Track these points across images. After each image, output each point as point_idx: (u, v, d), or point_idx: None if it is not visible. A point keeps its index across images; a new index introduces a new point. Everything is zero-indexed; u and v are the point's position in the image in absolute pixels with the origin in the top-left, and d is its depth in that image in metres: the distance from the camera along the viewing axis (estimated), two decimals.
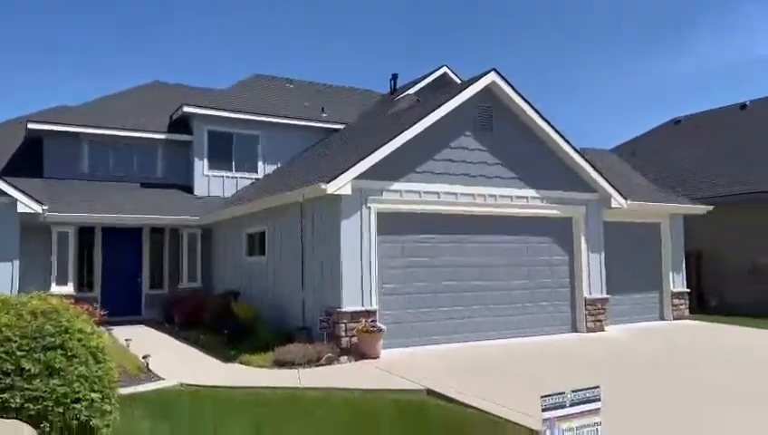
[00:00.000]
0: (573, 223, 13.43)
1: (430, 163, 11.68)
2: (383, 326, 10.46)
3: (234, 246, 15.79)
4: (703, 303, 17.99)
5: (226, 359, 10.39)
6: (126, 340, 11.88)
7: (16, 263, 13.27)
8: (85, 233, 16.98)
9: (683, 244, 15.95)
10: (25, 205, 12.49)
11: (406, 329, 11.19)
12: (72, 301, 15.12)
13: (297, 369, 9.50)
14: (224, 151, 18.77)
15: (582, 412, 4.83)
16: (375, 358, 10.11)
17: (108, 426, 4.55)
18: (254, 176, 18.98)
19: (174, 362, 10.26)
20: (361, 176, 10.69)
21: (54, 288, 15.15)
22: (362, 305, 10.68)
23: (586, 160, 13.20)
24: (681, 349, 11.70)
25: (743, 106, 23.05)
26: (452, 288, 11.81)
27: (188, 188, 18.35)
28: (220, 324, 12.70)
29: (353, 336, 10.43)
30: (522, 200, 12.64)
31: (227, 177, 18.72)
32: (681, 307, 15.60)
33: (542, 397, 4.65)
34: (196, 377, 8.88)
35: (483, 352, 10.85)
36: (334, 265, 10.79)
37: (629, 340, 12.63)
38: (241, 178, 18.87)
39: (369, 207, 10.94)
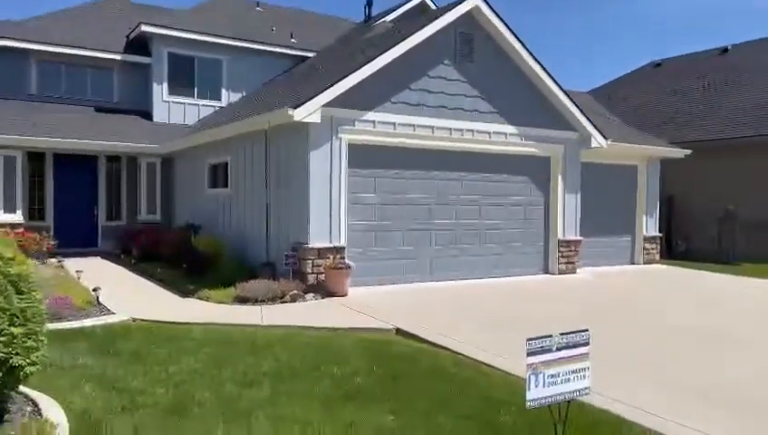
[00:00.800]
0: (552, 162, 12.96)
1: (406, 93, 10.94)
2: (351, 263, 9.96)
3: (195, 177, 14.94)
4: (671, 248, 17.98)
5: (184, 293, 9.81)
6: (77, 271, 11.17)
7: None
8: (34, 159, 15.89)
9: (658, 188, 15.70)
10: None
11: (375, 267, 10.72)
12: (22, 230, 14.42)
13: (260, 306, 8.99)
14: (185, 76, 17.59)
15: (570, 357, 4.41)
16: (343, 296, 9.65)
17: (34, 364, 3.95)
18: (217, 104, 17.91)
19: (128, 295, 9.64)
20: (332, 103, 9.92)
21: (1, 216, 14.21)
22: (330, 242, 10.12)
23: (569, 98, 12.61)
24: (652, 291, 11.56)
25: (724, 50, 22.59)
26: (425, 226, 11.33)
27: (147, 115, 17.25)
28: (179, 258, 12.05)
29: (320, 273, 9.92)
30: (500, 137, 12.06)
31: (189, 104, 17.62)
32: (652, 252, 15.50)
33: (528, 340, 4.19)
34: (149, 312, 8.30)
35: (455, 292, 10.50)
36: (302, 199, 10.15)
37: (601, 281, 12.44)
38: (204, 105, 17.79)
39: (340, 138, 10.23)
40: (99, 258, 14.63)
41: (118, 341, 6.72)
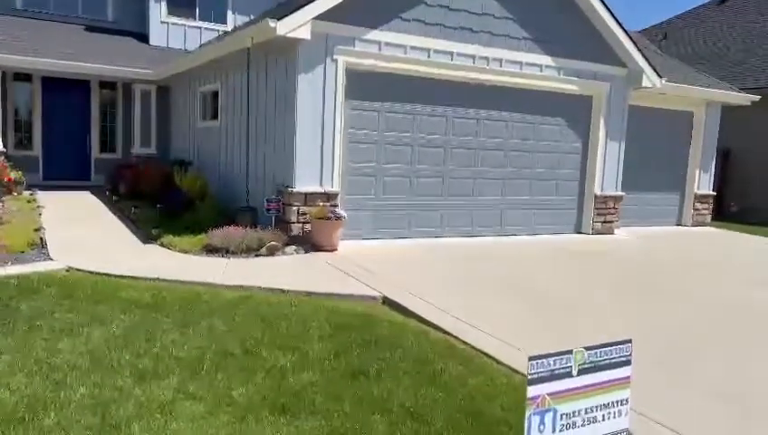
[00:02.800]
0: (594, 103, 10.99)
1: (421, 8, 9.04)
2: (343, 213, 8.37)
3: (188, 107, 13.39)
4: (722, 208, 15.92)
5: (148, 238, 8.42)
6: (38, 206, 9.88)
7: None
8: (20, 81, 14.53)
9: (716, 139, 13.57)
10: None
11: (375, 218, 9.14)
12: (3, 158, 13.18)
13: (228, 258, 7.54)
14: None
15: (601, 384, 2.81)
16: (331, 251, 8.12)
17: None
18: (222, 27, 16.12)
19: (83, 239, 8.29)
20: (327, 16, 8.13)
21: None
22: (320, 186, 8.53)
23: (619, 25, 10.50)
24: (704, 257, 9.74)
25: None
26: (437, 173, 9.62)
27: (143, 38, 15.60)
28: (161, 197, 10.70)
29: (306, 223, 8.39)
30: (533, 69, 10.11)
31: (190, 26, 15.87)
32: (704, 212, 13.52)
33: (530, 359, 2.61)
34: (94, 260, 6.90)
35: (468, 252, 8.88)
36: (287, 134, 8.52)
37: (642, 244, 10.65)
38: (206, 28, 16.02)
39: (336, 60, 8.47)
40: (86, 193, 13.37)
41: (24, 297, 5.33)
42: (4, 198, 10.16)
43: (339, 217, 8.18)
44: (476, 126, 9.90)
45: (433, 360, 4.51)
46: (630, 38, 10.61)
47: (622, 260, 9.27)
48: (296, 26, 7.84)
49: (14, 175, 12.09)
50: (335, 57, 8.43)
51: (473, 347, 4.85)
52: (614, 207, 11.32)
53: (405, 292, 6.26)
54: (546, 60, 10.16)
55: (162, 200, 10.27)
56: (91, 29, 15.23)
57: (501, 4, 9.66)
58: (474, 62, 9.56)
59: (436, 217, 9.66)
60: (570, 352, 2.62)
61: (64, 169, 15.09)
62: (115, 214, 10.68)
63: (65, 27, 14.86)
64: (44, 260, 6.88)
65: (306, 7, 7.88)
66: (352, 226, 8.84)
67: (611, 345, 2.78)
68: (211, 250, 7.79)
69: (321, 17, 8.06)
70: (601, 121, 10.96)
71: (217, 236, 7.90)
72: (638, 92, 11.32)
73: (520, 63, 9.95)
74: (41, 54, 13.15)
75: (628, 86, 11.09)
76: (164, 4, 15.57)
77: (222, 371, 4.04)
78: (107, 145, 15.63)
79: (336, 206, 8.58)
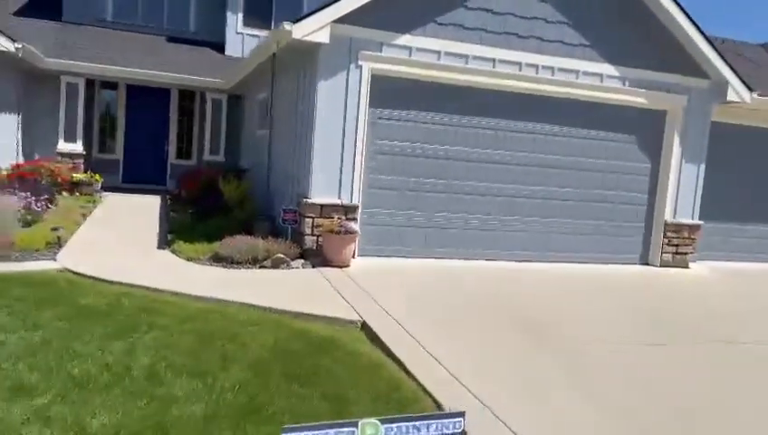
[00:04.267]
0: (667, 118, 9.69)
1: (460, 12, 8.37)
2: (355, 228, 7.83)
3: (251, 115, 13.50)
4: None
5: (163, 244, 8.36)
6: (94, 207, 10.30)
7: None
8: (107, 89, 15.43)
9: None
10: None
11: (398, 235, 8.52)
12: (82, 160, 13.99)
13: (229, 268, 7.27)
14: (262, 6, 16.06)
15: None
16: (343, 266, 7.62)
17: None
18: None
19: (105, 240, 8.39)
20: (351, 19, 7.70)
21: (62, 145, 13.82)
22: (338, 198, 8.07)
23: (699, 30, 9.18)
24: None
25: None
26: (474, 190, 8.84)
27: (220, 47, 16.03)
28: (203, 202, 10.80)
29: (320, 235, 7.95)
30: (592, 79, 9.06)
31: (264, 36, 16.01)
32: None
33: (283, 431, 1.95)
34: (94, 263, 6.87)
35: (497, 278, 8.02)
36: (306, 142, 8.16)
37: (722, 283, 9.18)
38: None
39: (361, 66, 8.00)
40: (155, 197, 13.80)
41: None
42: (58, 197, 10.62)
43: (349, 232, 7.66)
44: (521, 139, 9.01)
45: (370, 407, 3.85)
46: (711, 44, 9.25)
47: (692, 302, 7.96)
48: (314, 30, 7.49)
49: (81, 176, 12.74)
50: (360, 63, 7.97)
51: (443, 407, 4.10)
52: (689, 238, 9.89)
53: (392, 321, 5.60)
54: (608, 69, 9.08)
55: (206, 205, 10.31)
56: (172, 39, 15.87)
57: (555, 7, 8.75)
58: (520, 70, 8.71)
59: (469, 237, 8.86)
60: (353, 423, 1.94)
61: (142, 173, 15.80)
62: (159, 217, 10.85)
63: (149, 38, 15.59)
64: (47, 260, 6.95)
65: (325, 10, 7.50)
66: (373, 241, 8.30)
67: (433, 418, 2.05)
68: (218, 259, 7.56)
69: (343, 20, 7.65)
70: (676, 139, 9.63)
71: (227, 244, 7.67)
72: (724, 107, 9.85)
73: (576, 72, 8.96)
74: (126, 64, 13.84)
75: (710, 100, 9.68)
76: (241, 16, 15.93)
77: (105, 393, 3.65)
78: (182, 151, 16.21)
79: (355, 220, 8.07)
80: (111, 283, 6.19)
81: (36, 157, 13.39)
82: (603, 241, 9.58)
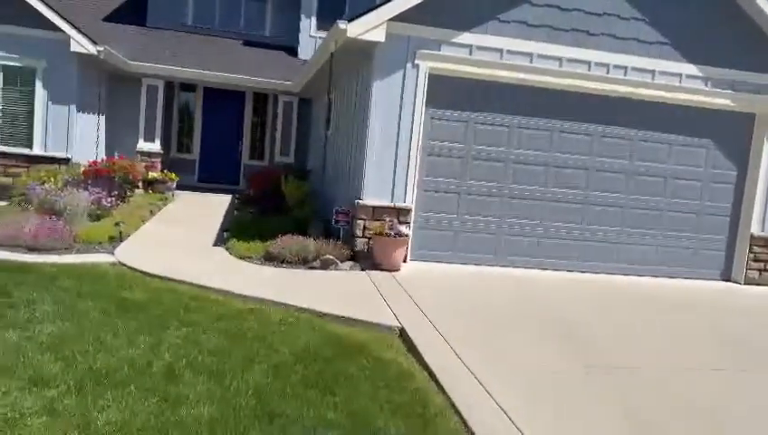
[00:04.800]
0: (756, 122, 8.83)
1: (524, 8, 7.97)
2: (406, 231, 7.61)
3: (318, 117, 13.58)
4: None
5: (219, 242, 8.47)
6: (164, 205, 10.71)
7: (94, 117, 12.49)
8: (186, 91, 16.04)
9: None
10: (78, 43, 11.32)
11: (455, 241, 8.21)
12: (159, 159, 14.59)
13: (280, 268, 7.24)
14: (336, 8, 16.15)
15: None
16: (392, 270, 7.40)
17: None
18: None
19: (165, 237, 8.62)
20: (407, 17, 7.50)
21: (141, 144, 14.48)
22: (391, 200, 7.87)
23: None
24: None
25: None
26: (535, 194, 8.40)
27: (293, 51, 16.28)
28: (266, 201, 10.97)
29: (371, 238, 7.78)
30: (670, 78, 8.39)
31: (324, 37, 16.13)
32: None
33: None
34: (148, 258, 7.05)
35: (559, 290, 7.54)
36: (361, 143, 8.03)
37: None
38: None
39: (418, 66, 7.77)
40: (226, 196, 14.18)
41: (31, 283, 5.49)
42: (131, 195, 11.06)
43: (400, 236, 7.44)
44: (590, 143, 8.47)
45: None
46: None
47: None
48: (369, 28, 7.34)
49: (155, 175, 13.25)
50: (417, 62, 7.75)
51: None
52: None
53: (433, 332, 5.33)
54: (688, 68, 8.38)
55: (260, 205, 10.44)
56: (248, 43, 16.28)
57: (630, 3, 8.17)
58: (589, 69, 8.19)
59: (531, 245, 8.42)
60: None
61: (217, 173, 16.28)
62: (223, 216, 11.07)
63: (226, 42, 16.07)
64: (105, 253, 7.17)
65: (381, 8, 7.34)
66: (428, 246, 8.05)
67: None
68: (269, 258, 7.55)
69: (400, 18, 7.46)
70: (766, 145, 8.76)
71: (279, 244, 7.66)
72: None
73: (652, 72, 8.32)
74: (204, 67, 14.34)
75: None
76: (314, 20, 16.11)
77: (120, 389, 3.62)
78: (255, 152, 16.60)
79: (407, 223, 7.85)
80: (159, 278, 6.29)
81: (116, 155, 14.08)
82: (681, 254, 8.84)
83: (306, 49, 16.18)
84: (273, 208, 10.38)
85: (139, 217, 9.66)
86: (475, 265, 8.17)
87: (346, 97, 9.12)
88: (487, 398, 4.02)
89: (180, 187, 14.22)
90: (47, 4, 11.25)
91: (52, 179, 10.23)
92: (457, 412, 3.81)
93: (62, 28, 11.28)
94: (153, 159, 14.56)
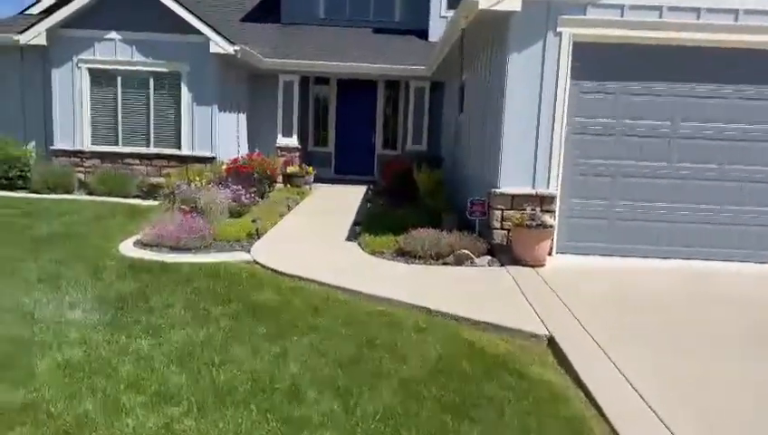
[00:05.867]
0: None
1: None
2: (551, 221, 6.79)
3: (450, 101, 12.97)
4: None
5: (352, 236, 8.22)
6: (301, 199, 10.83)
7: (234, 116, 12.95)
8: (319, 84, 16.18)
9: None
10: (218, 44, 11.69)
11: (609, 230, 7.24)
12: (297, 154, 14.86)
13: (412, 264, 6.81)
14: None
15: None
16: (536, 266, 6.67)
17: None
18: None
19: (298, 232, 8.56)
20: None
21: (280, 140, 14.82)
22: (533, 187, 7.10)
23: None
24: None
25: None
26: (700, 174, 7.17)
27: (423, 34, 15.76)
28: (397, 192, 10.64)
29: (510, 230, 7.09)
30: None
31: (454, 14, 15.31)
32: None
33: None
34: (282, 255, 6.96)
35: (747, 280, 6.37)
36: (496, 125, 7.32)
37: None
38: None
39: (560, 34, 6.89)
40: (361, 187, 14.13)
41: (171, 285, 5.52)
42: (270, 190, 11.25)
43: (544, 226, 6.66)
44: None
45: None
46: None
47: None
48: None
49: (294, 169, 13.45)
50: (559, 30, 6.87)
51: None
52: None
53: (590, 342, 4.59)
54: None
55: (400, 196, 10.12)
56: (378, 31, 16.03)
57: None
58: None
59: (706, 233, 7.20)
60: None
61: (352, 165, 16.31)
62: (357, 208, 10.90)
63: (357, 31, 15.94)
64: (240, 251, 7.18)
65: None
66: (576, 237, 7.19)
67: None
68: (401, 253, 7.15)
69: None
70: None
71: (411, 238, 7.22)
72: None
73: None
74: (336, 59, 14.35)
75: None
76: None
77: (241, 408, 3.36)
78: (388, 141, 16.39)
79: (551, 212, 7.04)
80: (290, 277, 6.12)
81: (257, 151, 14.52)
82: None
83: (436, 30, 15.52)
84: (404, 198, 10.00)
85: (276, 212, 9.73)
86: (635, 256, 7.15)
87: (479, 76, 8.44)
88: None
89: (317, 180, 14.36)
90: (188, 9, 11.72)
91: (198, 178, 10.65)
92: None
93: (203, 31, 11.69)
94: (291, 154, 14.84)
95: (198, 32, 11.71)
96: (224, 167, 11.35)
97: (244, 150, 14.33)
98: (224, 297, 5.29)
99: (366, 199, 11.92)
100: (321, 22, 16.31)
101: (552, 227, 6.73)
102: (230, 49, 11.79)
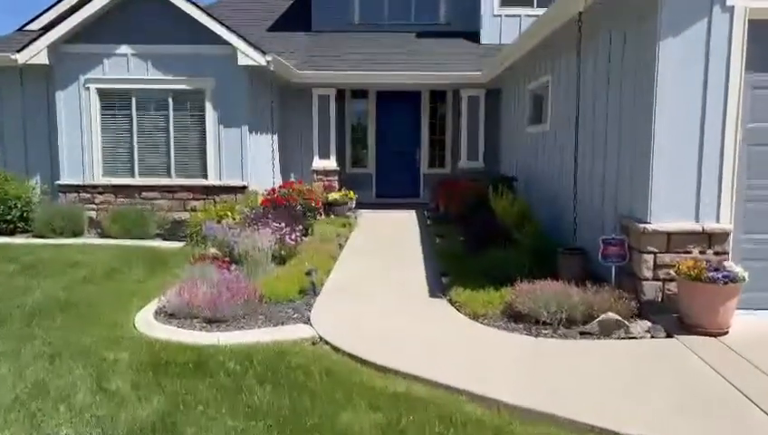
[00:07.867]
0: None
1: None
2: (739, 271, 4.80)
3: (518, 110, 11.06)
4: None
5: (436, 289, 6.31)
6: (350, 231, 9.11)
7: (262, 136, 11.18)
8: (357, 98, 14.39)
9: None
10: (247, 55, 9.92)
11: None
12: (336, 177, 13.02)
13: (535, 334, 4.87)
14: None
15: None
16: (718, 334, 4.69)
17: None
18: None
19: (364, 284, 6.67)
20: None
21: (317, 162, 13.04)
22: (697, 220, 5.14)
23: None
24: None
25: None
26: None
27: (474, 36, 13.92)
28: (471, 222, 8.67)
29: (669, 280, 5.13)
30: None
31: (527, 15, 13.40)
32: None
33: None
34: (355, 326, 5.10)
35: None
36: (637, 136, 5.39)
37: None
38: None
39: (732, 8, 4.98)
40: (410, 212, 12.31)
41: (188, 405, 3.65)
42: (312, 223, 9.40)
43: (731, 280, 4.68)
44: None
45: None
46: None
47: None
48: None
49: (336, 196, 11.63)
50: (729, 3, 4.96)
51: None
52: None
53: None
54: None
55: (468, 228, 8.18)
56: (421, 35, 14.21)
57: None
58: None
59: None
60: None
61: (395, 187, 14.49)
62: (420, 242, 9.02)
63: (398, 36, 14.13)
64: (298, 323, 5.28)
65: None
66: (759, 286, 5.19)
67: None
68: (513, 316, 5.24)
69: None
70: None
71: (524, 294, 5.30)
72: None
73: None
74: (375, 68, 12.59)
75: None
76: None
77: None
78: (435, 159, 14.53)
79: (725, 254, 5.08)
80: (381, 370, 4.21)
81: (292, 177, 12.74)
82: None
83: (490, 31, 13.76)
84: (484, 232, 8.04)
85: (326, 253, 7.88)
86: None
87: (588, 73, 6.52)
88: None
89: (358, 205, 12.57)
90: (212, 16, 10.02)
91: (229, 214, 8.87)
92: None
93: (230, 41, 9.95)
94: (330, 178, 13.05)
95: (224, 42, 9.97)
96: (259, 198, 9.54)
97: (279, 177, 12.57)
98: (294, 424, 3.40)
99: (425, 229, 10.03)
100: (356, 27, 14.56)
101: (744, 279, 4.73)
102: (262, 60, 10.02)
